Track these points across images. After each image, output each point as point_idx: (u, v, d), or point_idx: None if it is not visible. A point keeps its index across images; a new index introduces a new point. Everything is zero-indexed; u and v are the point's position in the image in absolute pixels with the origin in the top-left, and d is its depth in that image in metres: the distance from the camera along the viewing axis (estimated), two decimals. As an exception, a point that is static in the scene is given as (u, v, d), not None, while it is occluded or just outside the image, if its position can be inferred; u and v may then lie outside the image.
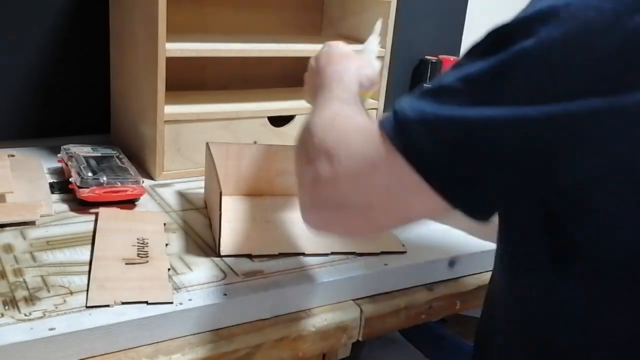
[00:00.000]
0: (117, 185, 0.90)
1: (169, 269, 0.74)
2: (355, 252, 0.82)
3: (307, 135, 0.62)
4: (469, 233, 0.91)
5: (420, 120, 0.50)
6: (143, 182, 0.94)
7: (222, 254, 0.79)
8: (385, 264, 0.81)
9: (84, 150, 1.00)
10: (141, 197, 0.93)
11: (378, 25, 0.92)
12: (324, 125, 0.61)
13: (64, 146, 1.01)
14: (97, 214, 0.86)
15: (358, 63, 0.81)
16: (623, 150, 0.46)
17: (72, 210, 0.89)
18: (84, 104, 1.17)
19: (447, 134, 0.48)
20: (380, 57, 1.20)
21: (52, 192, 0.93)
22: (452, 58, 1.54)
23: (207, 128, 1.05)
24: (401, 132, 0.51)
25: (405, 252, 0.84)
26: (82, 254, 0.77)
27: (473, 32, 1.63)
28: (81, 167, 0.93)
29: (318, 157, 0.56)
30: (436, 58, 1.51)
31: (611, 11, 0.44)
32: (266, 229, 0.89)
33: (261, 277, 0.75)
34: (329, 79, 0.75)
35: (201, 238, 0.84)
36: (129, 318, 0.65)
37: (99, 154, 0.99)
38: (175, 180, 1.04)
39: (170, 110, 1.02)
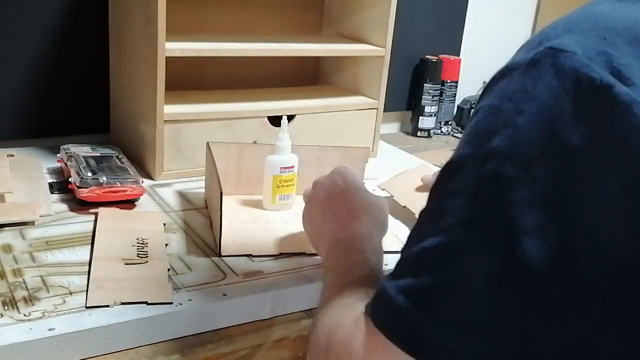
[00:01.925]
0: (116, 185, 0.90)
1: (168, 269, 0.74)
2: (355, 252, 0.82)
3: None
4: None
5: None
6: (142, 182, 0.94)
7: (222, 254, 0.79)
8: (385, 264, 0.81)
9: (83, 150, 1.00)
10: (141, 197, 0.93)
11: (284, 120, 0.93)
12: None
13: (64, 146, 1.01)
14: (96, 214, 0.86)
15: (373, 213, 0.72)
16: None
17: (71, 210, 0.89)
18: (84, 104, 1.17)
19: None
20: (380, 57, 1.20)
21: (52, 192, 0.93)
22: (452, 58, 1.54)
23: (207, 128, 1.05)
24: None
25: (406, 252, 0.84)
26: (81, 254, 0.77)
27: (473, 32, 1.63)
28: (80, 167, 0.92)
29: None
30: (436, 58, 1.51)
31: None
32: (267, 229, 0.89)
33: (261, 277, 0.75)
34: (347, 245, 0.67)
35: (201, 238, 0.84)
36: (129, 318, 0.65)
37: (99, 154, 0.99)
38: (174, 180, 1.03)
39: (170, 110, 1.01)
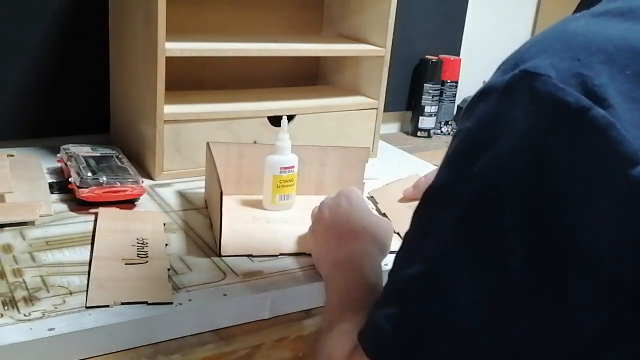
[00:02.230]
0: (116, 185, 0.90)
1: (168, 269, 0.74)
2: (355, 252, 0.82)
3: None
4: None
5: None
6: (142, 182, 0.94)
7: (222, 254, 0.79)
8: (385, 264, 0.81)
9: (83, 150, 1.00)
10: (141, 197, 0.93)
11: (284, 120, 0.93)
12: None
13: (64, 146, 1.01)
14: (96, 214, 0.86)
15: (374, 233, 0.74)
16: None
17: (71, 210, 0.89)
18: (84, 104, 1.17)
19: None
20: (380, 57, 1.20)
21: (52, 192, 0.93)
22: (452, 58, 1.54)
23: (207, 128, 1.05)
24: None
25: (406, 252, 0.84)
26: (81, 254, 0.77)
27: (473, 32, 1.63)
28: (80, 167, 0.92)
29: None
30: (436, 58, 1.51)
31: None
32: (267, 229, 0.89)
33: (261, 277, 0.75)
34: (346, 265, 0.68)
35: (201, 238, 0.84)
36: (129, 318, 0.65)
37: (99, 154, 0.99)
38: (174, 180, 1.03)
39: (170, 110, 1.01)
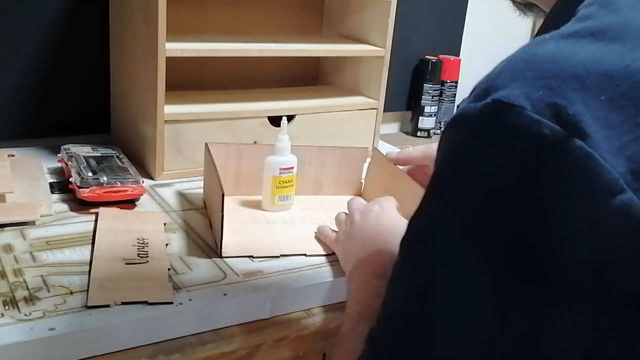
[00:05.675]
0: (117, 185, 0.90)
1: (169, 269, 0.75)
2: (355, 252, 0.82)
3: None
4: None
5: None
6: (143, 182, 0.94)
7: (223, 255, 0.79)
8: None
9: (84, 150, 1.00)
10: (141, 197, 0.93)
11: (284, 121, 0.93)
12: None
13: (64, 146, 1.01)
14: (97, 214, 0.86)
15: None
16: None
17: (72, 210, 0.89)
18: (84, 104, 1.17)
19: None
20: (380, 57, 1.20)
21: (52, 192, 0.93)
22: (452, 58, 1.54)
23: (207, 128, 1.05)
24: None
25: (405, 252, 0.84)
26: (82, 254, 0.77)
27: (473, 32, 1.63)
28: (81, 167, 0.93)
29: None
30: (436, 58, 1.51)
31: None
32: (267, 230, 0.89)
33: (261, 277, 0.76)
34: (367, 266, 0.68)
35: (201, 238, 0.84)
36: (129, 318, 0.65)
37: (99, 154, 0.99)
38: (175, 180, 1.04)
39: (170, 110, 1.02)
